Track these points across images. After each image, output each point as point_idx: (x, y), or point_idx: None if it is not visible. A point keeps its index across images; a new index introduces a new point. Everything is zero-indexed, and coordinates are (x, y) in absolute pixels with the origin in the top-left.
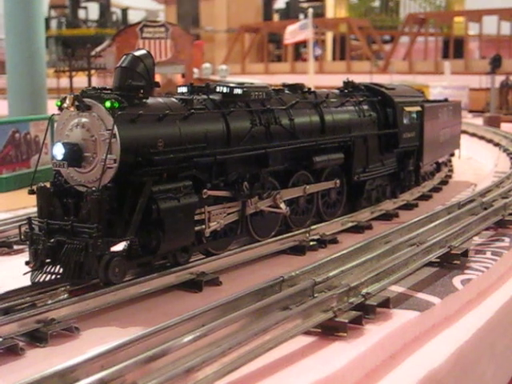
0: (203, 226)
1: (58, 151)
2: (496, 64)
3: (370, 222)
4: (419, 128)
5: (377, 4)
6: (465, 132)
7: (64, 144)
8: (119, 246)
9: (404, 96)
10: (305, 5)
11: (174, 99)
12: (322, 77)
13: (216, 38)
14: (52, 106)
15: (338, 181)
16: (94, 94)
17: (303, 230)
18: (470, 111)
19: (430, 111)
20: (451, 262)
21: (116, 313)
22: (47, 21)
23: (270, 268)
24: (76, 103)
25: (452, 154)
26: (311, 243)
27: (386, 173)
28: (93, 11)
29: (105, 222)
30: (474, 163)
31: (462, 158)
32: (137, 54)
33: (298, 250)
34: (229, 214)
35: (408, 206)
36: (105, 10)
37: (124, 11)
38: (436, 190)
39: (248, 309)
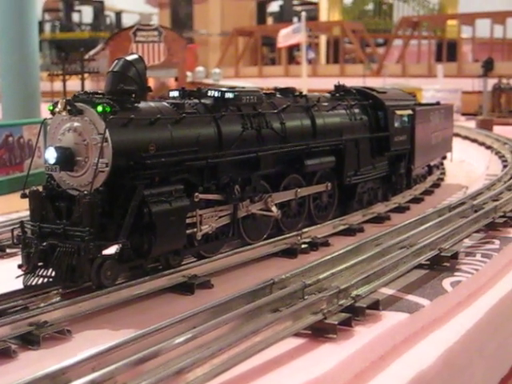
0: (195, 229)
1: (51, 155)
2: (488, 67)
3: (361, 224)
4: (411, 131)
5: (370, 7)
6: (457, 135)
7: (56, 148)
8: (111, 250)
9: (395, 99)
10: (298, 8)
11: (165, 103)
12: (315, 80)
13: (209, 42)
14: (46, 110)
15: (329, 184)
16: (85, 98)
17: (295, 233)
18: (463, 114)
19: (421, 114)
20: (441, 264)
21: (108, 315)
22: (41, 24)
23: (262, 271)
24: (68, 107)
25: (444, 157)
26: (303, 246)
27: (377, 176)
28: (86, 15)
29: (97, 225)
30: (466, 166)
31: (454, 160)
32: (128, 58)
33: (290, 252)
34: (220, 217)
35: (400, 209)
36: (98, 13)
37: (118, 14)
38: (428, 192)
39: (238, 311)
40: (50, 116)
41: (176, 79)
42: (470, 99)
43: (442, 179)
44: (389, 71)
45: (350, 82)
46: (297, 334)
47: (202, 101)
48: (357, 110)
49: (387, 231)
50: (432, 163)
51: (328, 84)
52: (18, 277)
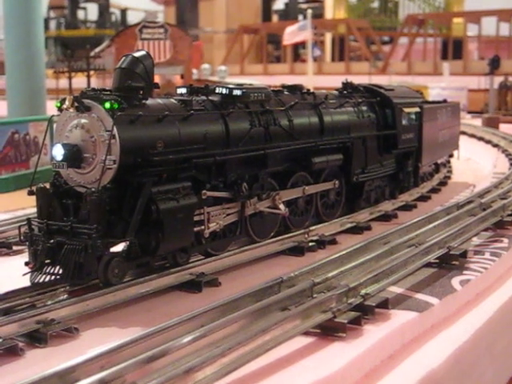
0: (202, 227)
1: (58, 152)
2: (495, 65)
3: (368, 222)
4: (418, 129)
5: (376, 5)
6: (464, 133)
7: (64, 145)
8: (119, 247)
9: (403, 97)
10: (304, 6)
11: (173, 100)
12: (320, 78)
13: (215, 39)
14: (51, 107)
15: (337, 182)
16: (93, 95)
17: (302, 231)
18: (469, 112)
19: (428, 112)
20: (450, 262)
21: (115, 313)
22: (46, 21)
23: (269, 269)
24: (75, 104)
25: (451, 155)
26: (310, 244)
27: (384, 174)
28: (92, 12)
29: (104, 222)
30: (473, 164)
31: (460, 158)
32: (136, 55)
33: (297, 250)
34: (228, 214)
35: (407, 207)
36: (104, 10)
37: (123, 12)
38: (435, 190)
39: (247, 309)
40: (57, 113)
41: (182, 76)
42: (476, 97)
43: (448, 177)
44: (394, 69)
45: (356, 80)
46: (306, 333)
47: (210, 98)
48: (364, 108)
49: (395, 229)
50: (439, 161)
51: (333, 82)
52: (24, 274)
